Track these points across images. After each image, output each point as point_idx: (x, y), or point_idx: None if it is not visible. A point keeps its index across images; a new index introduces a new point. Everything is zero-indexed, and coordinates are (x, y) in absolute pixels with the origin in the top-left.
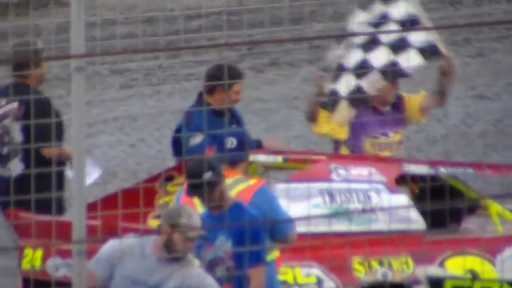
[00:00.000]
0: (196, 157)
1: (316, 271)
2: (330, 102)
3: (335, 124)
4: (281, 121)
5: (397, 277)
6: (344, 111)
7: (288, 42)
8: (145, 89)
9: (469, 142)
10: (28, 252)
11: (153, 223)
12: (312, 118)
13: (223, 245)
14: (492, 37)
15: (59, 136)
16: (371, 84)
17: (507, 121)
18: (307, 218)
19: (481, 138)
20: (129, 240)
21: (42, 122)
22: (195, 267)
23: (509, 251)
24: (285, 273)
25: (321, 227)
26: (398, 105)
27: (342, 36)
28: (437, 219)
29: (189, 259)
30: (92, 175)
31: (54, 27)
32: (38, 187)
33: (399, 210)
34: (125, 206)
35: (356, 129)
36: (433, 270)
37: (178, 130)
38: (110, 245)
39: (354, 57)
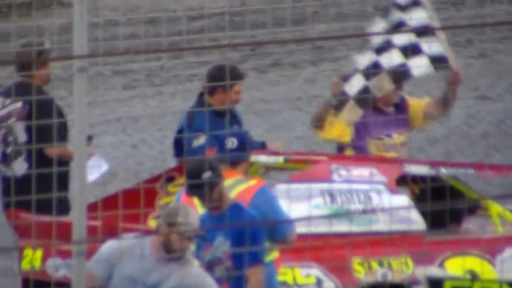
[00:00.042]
0: (196, 157)
1: (315, 272)
2: (338, 102)
3: (342, 124)
4: (283, 122)
5: (396, 277)
6: (352, 111)
7: (290, 43)
8: (148, 90)
9: (471, 142)
10: (28, 252)
11: (153, 223)
12: (319, 124)
13: (222, 246)
14: (495, 38)
15: (63, 136)
16: (378, 86)
17: (509, 122)
18: (308, 219)
19: (483, 139)
20: (128, 240)
21: (45, 123)
22: (194, 267)
23: (509, 251)
24: (285, 274)
25: (322, 228)
26: (401, 106)
27: (344, 37)
28: (438, 220)
29: (188, 258)
30: (100, 169)
31: (57, 28)
32: (42, 187)
33: (399, 210)
34: (125, 206)
35: (361, 130)
36: (433, 271)
37: (181, 131)
38: (109, 245)
39: (366, 59)
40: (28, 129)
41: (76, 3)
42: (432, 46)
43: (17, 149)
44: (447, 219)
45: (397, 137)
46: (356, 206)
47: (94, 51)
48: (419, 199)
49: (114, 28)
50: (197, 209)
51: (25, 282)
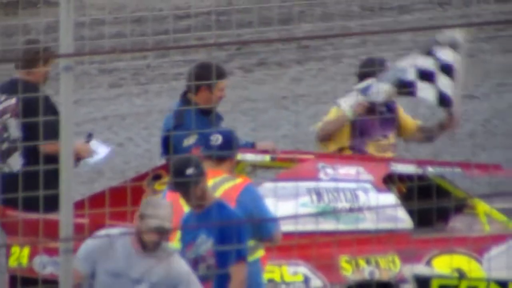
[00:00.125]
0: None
1: (303, 270)
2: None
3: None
4: (269, 120)
5: (384, 275)
6: (353, 96)
7: (276, 42)
8: (134, 88)
9: (457, 142)
10: (15, 249)
11: None
12: (326, 138)
13: (205, 244)
14: (481, 38)
15: (57, 133)
16: (382, 91)
17: (495, 121)
18: (295, 217)
19: (469, 138)
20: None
21: (39, 120)
22: (177, 259)
23: (496, 250)
24: (272, 272)
25: (309, 226)
26: (391, 108)
27: (330, 36)
28: (425, 218)
29: (168, 251)
30: (103, 151)
31: (43, 27)
32: (37, 183)
33: (386, 209)
34: (112, 204)
35: (359, 132)
36: (420, 269)
37: (169, 130)
38: (90, 242)
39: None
40: (22, 126)
41: (62, 2)
42: (446, 84)
43: (11, 145)
44: (434, 218)
45: (392, 137)
46: (343, 204)
47: (80, 49)
48: (406, 198)
49: (100, 27)
50: (182, 207)
51: (13, 279)
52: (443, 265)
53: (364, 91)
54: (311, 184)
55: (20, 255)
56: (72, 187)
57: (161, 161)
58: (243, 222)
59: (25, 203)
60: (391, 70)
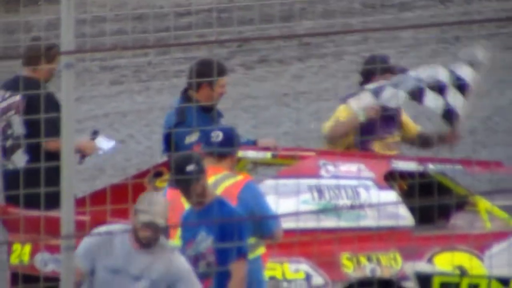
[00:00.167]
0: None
1: (304, 267)
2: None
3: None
4: (270, 117)
5: (385, 273)
6: (365, 98)
7: (278, 39)
8: (135, 86)
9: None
10: (17, 247)
11: None
12: (336, 140)
13: (205, 241)
14: (482, 35)
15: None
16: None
17: (496, 118)
18: (296, 214)
19: (470, 135)
20: (107, 231)
21: (43, 116)
22: (176, 256)
23: (497, 247)
24: (274, 269)
25: (310, 223)
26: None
27: (332, 33)
28: (426, 216)
29: (165, 246)
30: (108, 143)
31: (44, 24)
32: (40, 180)
33: (387, 206)
34: (113, 201)
35: (365, 131)
36: (422, 266)
37: (172, 127)
38: (88, 239)
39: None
40: (26, 123)
41: None
42: (456, 100)
43: (15, 142)
44: (435, 215)
45: (397, 135)
46: (344, 201)
47: (81, 47)
48: (407, 195)
49: (102, 24)
50: (183, 204)
51: (14, 276)
52: (444, 262)
53: (376, 92)
54: (312, 181)
55: (21, 253)
56: (74, 184)
57: (163, 158)
58: (243, 220)
59: (29, 200)
60: (406, 77)
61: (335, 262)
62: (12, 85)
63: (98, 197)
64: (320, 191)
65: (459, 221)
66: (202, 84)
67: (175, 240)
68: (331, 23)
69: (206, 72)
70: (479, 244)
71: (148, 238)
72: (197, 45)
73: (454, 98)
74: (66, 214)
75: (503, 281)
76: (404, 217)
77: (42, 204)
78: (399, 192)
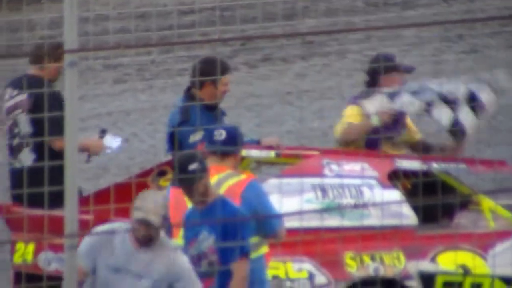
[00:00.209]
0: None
1: (308, 266)
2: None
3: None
4: (274, 116)
5: (388, 272)
6: (380, 102)
7: (281, 38)
8: (138, 84)
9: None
10: (20, 246)
11: None
12: (348, 143)
13: (206, 240)
14: (486, 33)
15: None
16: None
17: (500, 117)
18: (299, 213)
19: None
20: (107, 229)
21: (49, 115)
22: (177, 254)
23: (500, 246)
24: (277, 268)
25: (313, 222)
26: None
27: (335, 32)
28: (430, 215)
29: (166, 245)
30: (116, 142)
31: (47, 22)
32: (50, 179)
33: (391, 205)
34: (117, 200)
35: (375, 131)
36: (425, 265)
37: (176, 126)
38: (88, 238)
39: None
40: (33, 121)
41: None
42: (467, 117)
43: (22, 140)
44: (439, 214)
45: (404, 135)
46: (347, 200)
47: (84, 45)
48: (411, 194)
49: (105, 22)
50: (186, 203)
51: (17, 275)
52: (448, 261)
53: (392, 96)
54: (316, 180)
55: (25, 252)
56: (77, 183)
57: (166, 157)
58: (246, 219)
59: (36, 198)
60: (424, 86)
61: (339, 261)
62: (20, 84)
63: (102, 196)
64: (323, 190)
65: (462, 220)
66: (205, 82)
67: (178, 239)
68: (334, 22)
69: (209, 70)
70: (483, 243)
71: (142, 236)
72: (200, 44)
73: (466, 116)
74: (70, 213)
75: (506, 280)
76: (408, 216)
77: (47, 203)
78: (402, 191)
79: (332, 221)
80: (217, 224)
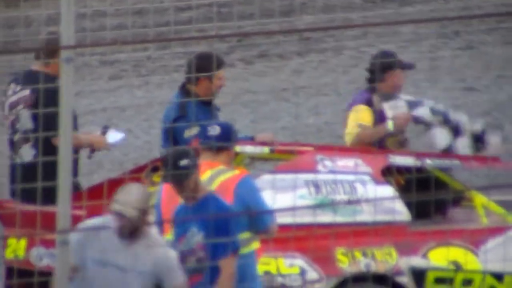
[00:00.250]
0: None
1: (299, 262)
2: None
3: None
4: (270, 112)
5: (380, 268)
6: (400, 108)
7: (278, 34)
8: (134, 80)
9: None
10: (12, 241)
11: None
12: (363, 144)
13: (195, 237)
14: (482, 30)
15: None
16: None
17: (495, 114)
18: (292, 209)
19: None
20: (94, 224)
21: (52, 111)
22: (163, 248)
23: (492, 242)
24: (269, 264)
25: (306, 218)
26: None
27: (332, 28)
28: (422, 211)
29: (149, 237)
30: (117, 136)
31: (44, 18)
32: (49, 174)
33: (384, 201)
34: (110, 196)
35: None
36: (417, 261)
37: (173, 121)
38: (74, 234)
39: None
40: (35, 117)
41: None
42: (465, 147)
43: (23, 136)
44: (431, 210)
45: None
46: (341, 196)
47: (81, 41)
48: (404, 190)
49: (102, 18)
50: (178, 199)
51: (9, 271)
52: (439, 257)
53: (412, 105)
54: (310, 176)
55: (16, 247)
56: (70, 179)
57: (161, 153)
58: (237, 215)
59: (35, 194)
60: (443, 110)
61: (330, 257)
62: (23, 79)
63: (95, 191)
64: (317, 186)
65: (455, 216)
66: (200, 77)
67: (169, 235)
68: (331, 18)
69: (204, 65)
70: (475, 239)
71: (120, 228)
72: (197, 40)
73: (463, 147)
74: (63, 208)
75: (498, 276)
76: (401, 212)
77: (39, 198)
78: (396, 187)
79: (325, 217)
80: (207, 221)
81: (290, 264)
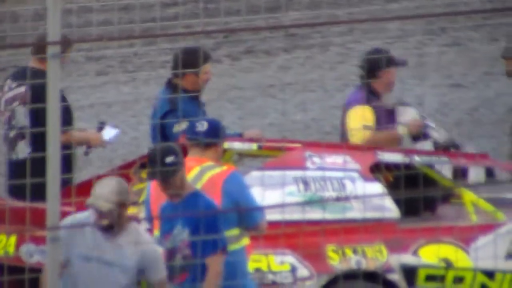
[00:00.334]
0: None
1: (290, 259)
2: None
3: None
4: (256, 109)
5: (370, 265)
6: (412, 115)
7: (264, 30)
8: (121, 76)
9: (444, 130)
10: (2, 238)
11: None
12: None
13: (180, 234)
14: (468, 26)
15: (66, 122)
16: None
17: (482, 110)
18: (281, 206)
19: (456, 127)
20: (78, 219)
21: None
22: (143, 240)
23: (482, 239)
24: (259, 261)
25: (295, 215)
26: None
27: (318, 24)
28: (412, 208)
29: (132, 231)
30: (112, 132)
31: (31, 14)
32: (40, 171)
33: (373, 198)
34: None
35: (380, 126)
36: (407, 258)
37: (164, 115)
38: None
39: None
40: (30, 114)
41: None
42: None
43: (19, 132)
44: (421, 207)
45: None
46: (330, 193)
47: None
48: (392, 187)
49: (88, 14)
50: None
51: None
52: (430, 254)
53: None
54: (298, 173)
55: (6, 244)
56: (59, 175)
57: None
58: (223, 212)
59: (32, 190)
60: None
61: (321, 254)
62: (20, 76)
63: (84, 188)
64: (306, 183)
65: (444, 213)
66: (187, 71)
67: (157, 231)
68: (317, 14)
69: (190, 60)
70: (465, 236)
71: (97, 222)
72: (183, 36)
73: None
74: (52, 205)
75: (489, 273)
76: (390, 209)
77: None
78: (384, 184)
79: (314, 214)
80: (192, 218)
81: (280, 261)
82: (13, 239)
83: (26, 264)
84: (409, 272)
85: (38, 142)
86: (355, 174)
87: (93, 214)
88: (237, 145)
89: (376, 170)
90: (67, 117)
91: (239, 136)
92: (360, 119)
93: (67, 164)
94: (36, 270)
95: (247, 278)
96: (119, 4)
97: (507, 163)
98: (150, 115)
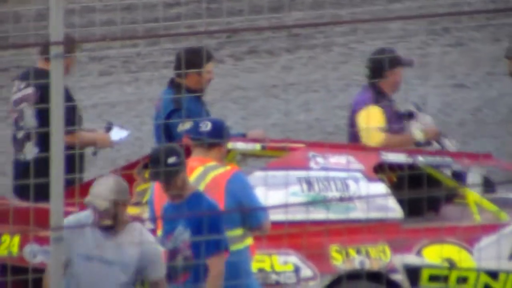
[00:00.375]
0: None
1: (293, 259)
2: None
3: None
4: (259, 109)
5: (374, 265)
6: (427, 121)
7: (267, 30)
8: (124, 76)
9: (447, 131)
10: (6, 238)
11: (130, 210)
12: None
13: (182, 235)
14: (471, 26)
15: (73, 123)
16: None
17: (485, 110)
18: (285, 206)
19: (459, 127)
20: (78, 218)
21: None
22: (144, 238)
23: (486, 240)
24: (263, 261)
25: (299, 215)
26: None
27: (321, 24)
28: (415, 208)
29: (132, 229)
30: (121, 133)
31: (33, 14)
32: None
33: (377, 198)
34: None
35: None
36: (411, 259)
37: (169, 114)
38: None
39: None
40: (38, 115)
41: None
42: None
43: (27, 133)
44: (424, 207)
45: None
46: (333, 193)
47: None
48: (396, 187)
49: (91, 14)
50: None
51: (3, 268)
52: (433, 255)
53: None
54: (302, 173)
55: (10, 244)
56: (63, 176)
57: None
58: (225, 213)
59: (38, 191)
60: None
61: (324, 255)
62: (28, 77)
63: (87, 188)
64: (309, 183)
65: (448, 213)
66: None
67: (159, 232)
68: (320, 14)
69: (193, 59)
70: (468, 236)
71: (96, 221)
72: (186, 36)
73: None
74: (55, 205)
75: (492, 274)
76: (394, 209)
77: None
78: (388, 184)
79: (318, 214)
80: (193, 219)
81: (284, 262)
82: (16, 239)
83: (30, 264)
84: (413, 272)
85: (46, 143)
86: (359, 175)
87: (92, 212)
88: (240, 145)
89: (380, 171)
90: (74, 117)
91: (243, 136)
92: (372, 120)
93: (79, 163)
94: (40, 270)
95: (251, 278)
96: (121, 4)
97: (511, 163)
98: (153, 116)
